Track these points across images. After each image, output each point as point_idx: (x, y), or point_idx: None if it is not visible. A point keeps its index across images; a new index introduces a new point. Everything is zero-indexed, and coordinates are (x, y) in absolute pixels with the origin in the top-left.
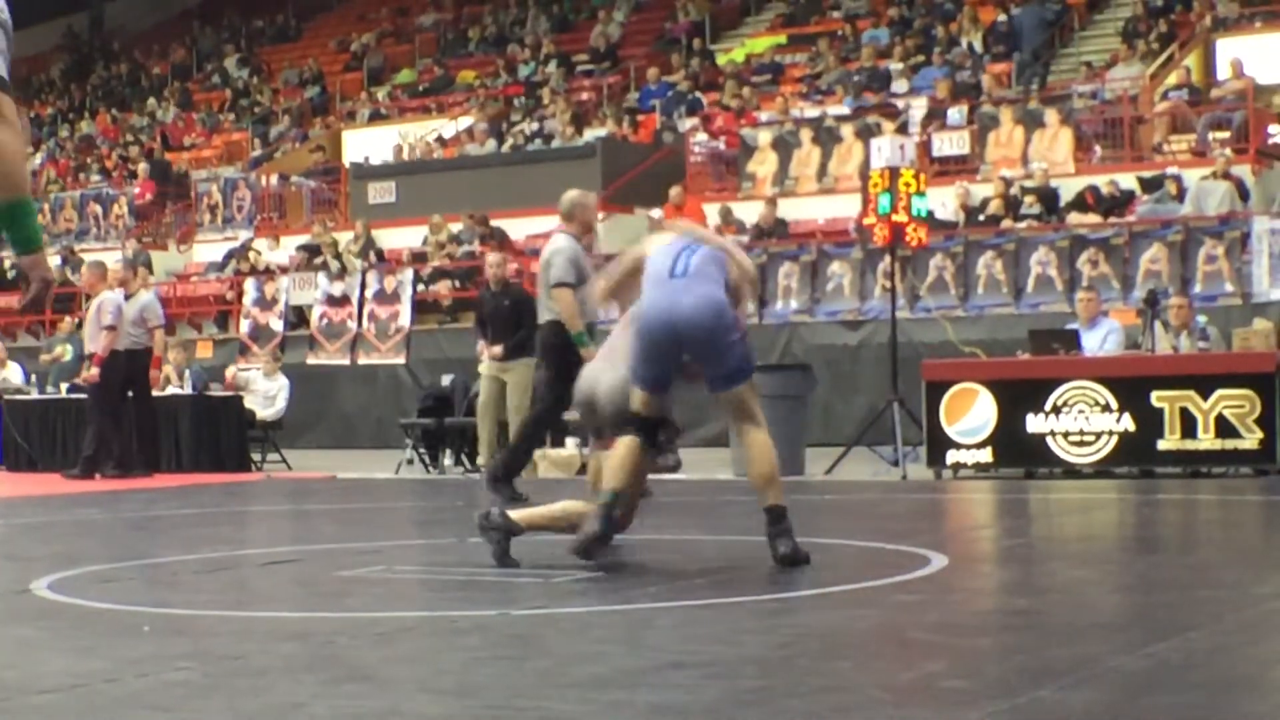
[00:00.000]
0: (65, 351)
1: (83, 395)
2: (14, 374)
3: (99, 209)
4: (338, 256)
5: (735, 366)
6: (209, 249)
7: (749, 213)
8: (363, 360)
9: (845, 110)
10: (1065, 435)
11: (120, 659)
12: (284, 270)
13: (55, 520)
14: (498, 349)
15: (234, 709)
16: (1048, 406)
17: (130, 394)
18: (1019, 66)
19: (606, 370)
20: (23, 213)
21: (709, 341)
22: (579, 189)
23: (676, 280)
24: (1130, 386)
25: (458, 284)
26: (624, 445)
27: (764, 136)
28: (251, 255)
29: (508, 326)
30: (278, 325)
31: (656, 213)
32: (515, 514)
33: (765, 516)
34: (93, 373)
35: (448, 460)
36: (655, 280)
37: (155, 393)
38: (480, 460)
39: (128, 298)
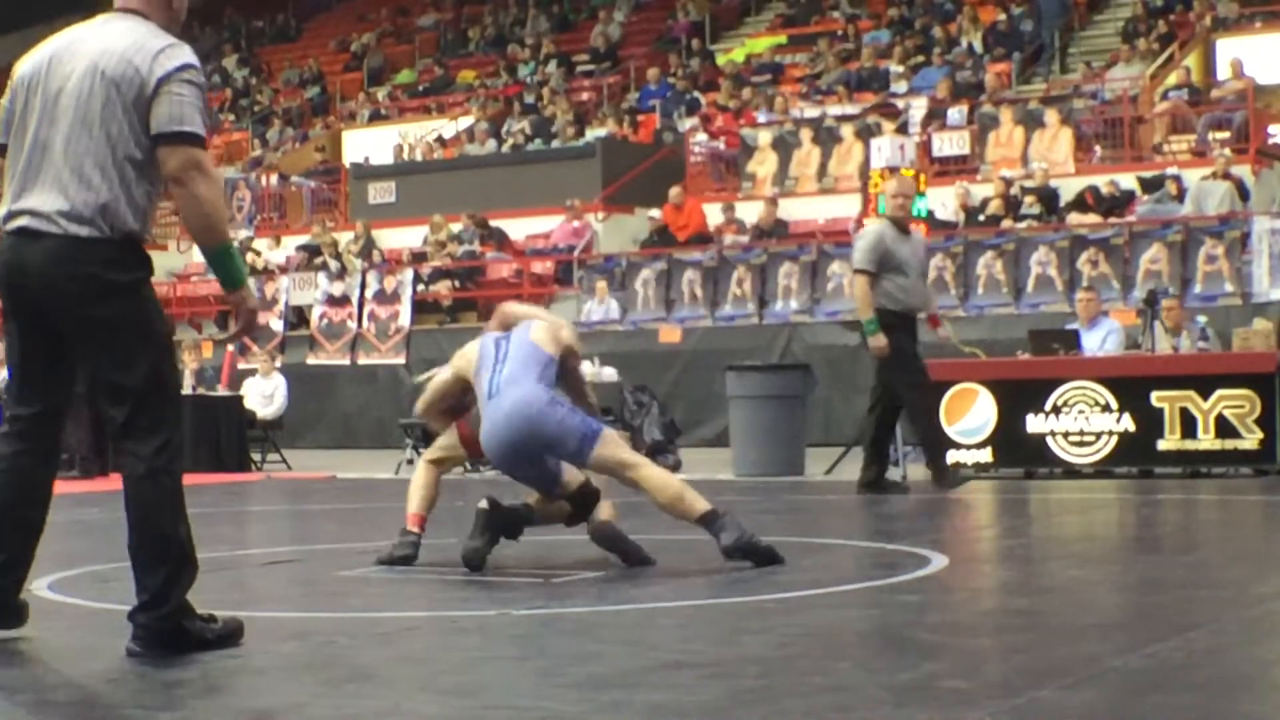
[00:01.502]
0: None
1: None
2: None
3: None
4: (338, 256)
5: (579, 440)
6: None
7: (749, 213)
8: (363, 360)
9: (845, 110)
10: (1065, 435)
11: (120, 659)
12: (284, 270)
13: (54, 520)
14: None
15: (234, 709)
16: (1048, 406)
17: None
18: (1021, 62)
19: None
20: (224, 256)
21: (539, 441)
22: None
23: (493, 401)
24: (1130, 386)
25: (458, 284)
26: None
27: (764, 136)
28: (251, 255)
29: None
30: (278, 325)
31: (655, 213)
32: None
33: (701, 528)
34: None
35: None
36: (482, 404)
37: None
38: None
39: None
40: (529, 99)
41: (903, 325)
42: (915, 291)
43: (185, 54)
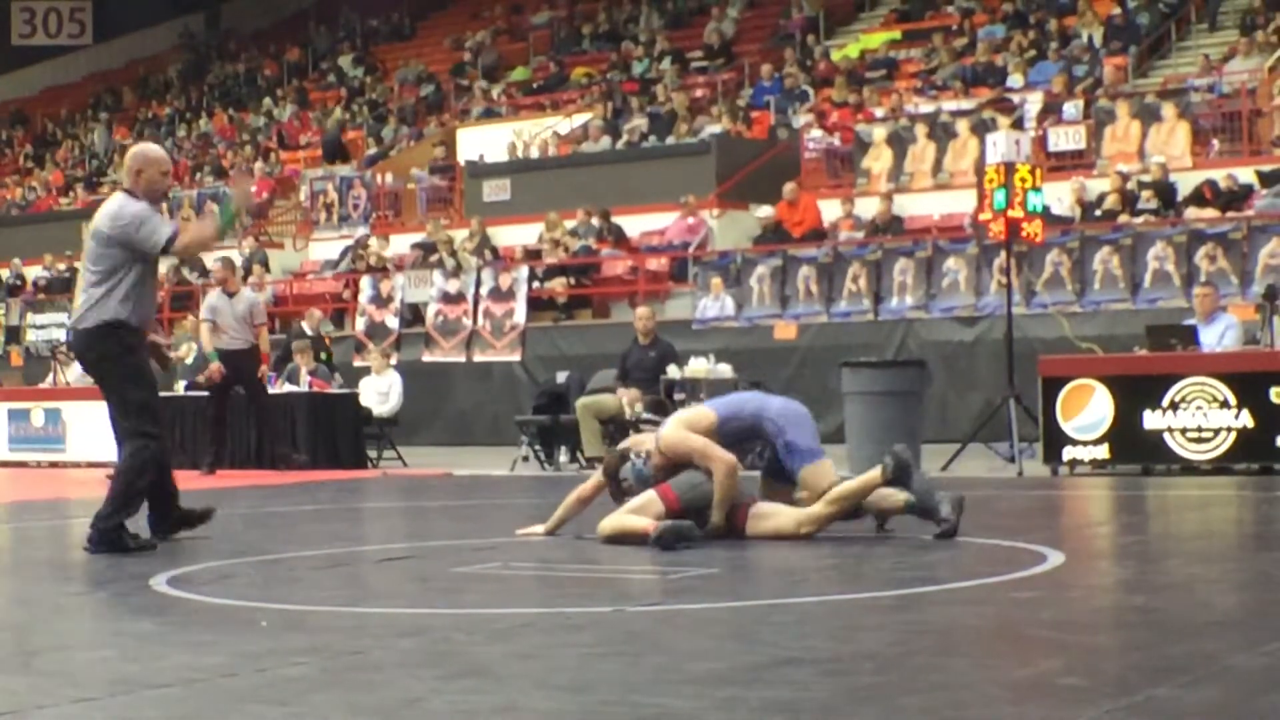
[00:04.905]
0: (190, 351)
1: (203, 393)
2: None
3: (215, 208)
4: (453, 254)
5: None
6: (325, 247)
7: (864, 209)
8: (478, 357)
9: (960, 105)
10: (1183, 431)
11: (238, 654)
12: (399, 267)
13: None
14: (635, 392)
15: (351, 703)
16: (1165, 402)
17: (242, 391)
18: (1137, 55)
19: None
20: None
21: None
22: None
23: None
24: (1249, 382)
25: (573, 281)
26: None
27: (878, 132)
28: (369, 254)
29: (650, 377)
30: (393, 323)
31: (770, 209)
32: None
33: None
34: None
35: (563, 457)
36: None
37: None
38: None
39: (230, 295)
40: (643, 95)
41: None
42: None
43: (133, 209)
